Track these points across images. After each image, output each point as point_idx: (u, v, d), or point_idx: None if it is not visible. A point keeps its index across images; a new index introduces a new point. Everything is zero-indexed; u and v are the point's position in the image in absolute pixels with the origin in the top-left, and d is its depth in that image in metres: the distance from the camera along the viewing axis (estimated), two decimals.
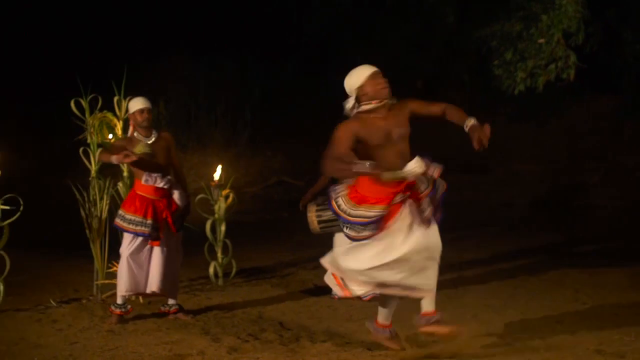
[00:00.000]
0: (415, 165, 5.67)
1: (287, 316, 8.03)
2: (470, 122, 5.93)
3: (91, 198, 9.07)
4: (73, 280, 10.14)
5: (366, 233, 5.96)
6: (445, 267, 10.77)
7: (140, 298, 8.67)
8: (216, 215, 10.07)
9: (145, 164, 7.85)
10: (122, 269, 7.94)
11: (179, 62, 22.90)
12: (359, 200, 6.00)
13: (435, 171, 5.80)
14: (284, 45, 23.02)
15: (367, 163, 5.62)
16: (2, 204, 8.27)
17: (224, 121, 22.49)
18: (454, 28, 19.74)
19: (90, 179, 9.16)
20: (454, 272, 10.50)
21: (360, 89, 6.03)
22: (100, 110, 9.08)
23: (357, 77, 6.07)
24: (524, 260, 11.44)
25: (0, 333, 7.26)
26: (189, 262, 11.22)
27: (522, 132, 19.67)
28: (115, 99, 9.12)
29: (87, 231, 9.10)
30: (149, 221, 7.83)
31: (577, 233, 13.60)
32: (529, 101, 16.40)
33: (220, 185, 9.91)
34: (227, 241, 10.13)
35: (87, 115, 9.05)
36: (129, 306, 8.04)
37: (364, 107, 6.05)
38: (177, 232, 8.10)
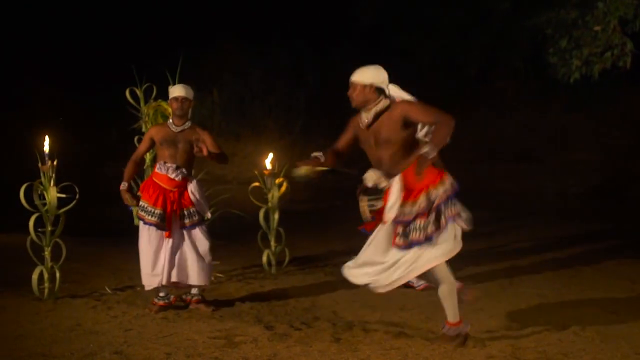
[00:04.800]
0: None
1: (340, 305, 8.03)
2: None
3: None
4: (128, 267, 10.22)
5: None
6: (499, 256, 10.79)
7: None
8: (269, 204, 10.11)
9: (164, 151, 7.74)
10: (141, 262, 7.89)
11: (233, 51, 23.00)
12: None
13: None
14: (336, 33, 23.03)
15: None
16: (59, 192, 8.33)
17: (277, 110, 22.57)
18: (508, 15, 19.57)
19: (145, 167, 9.24)
20: (508, 261, 10.45)
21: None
22: (155, 99, 9.15)
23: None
24: (579, 250, 11.35)
25: (57, 319, 7.35)
26: (242, 251, 11.30)
27: (577, 121, 19.51)
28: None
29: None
30: (158, 210, 7.68)
31: (631, 224, 13.46)
32: (585, 89, 16.21)
33: (274, 173, 9.94)
34: (281, 229, 10.17)
35: (141, 104, 9.13)
36: (171, 297, 7.96)
37: None
38: (201, 223, 7.89)
